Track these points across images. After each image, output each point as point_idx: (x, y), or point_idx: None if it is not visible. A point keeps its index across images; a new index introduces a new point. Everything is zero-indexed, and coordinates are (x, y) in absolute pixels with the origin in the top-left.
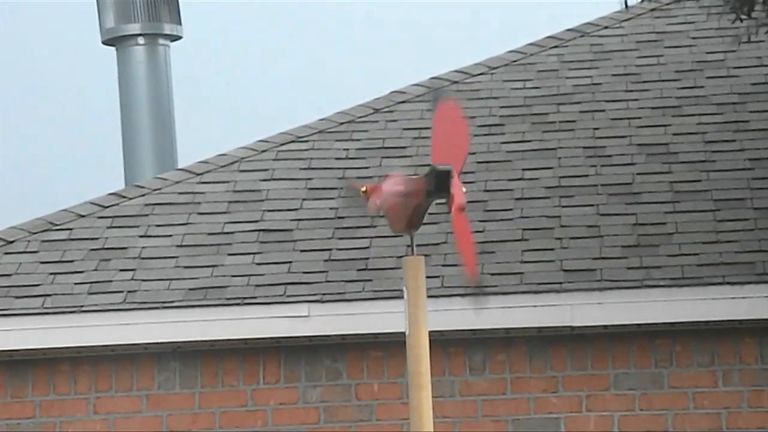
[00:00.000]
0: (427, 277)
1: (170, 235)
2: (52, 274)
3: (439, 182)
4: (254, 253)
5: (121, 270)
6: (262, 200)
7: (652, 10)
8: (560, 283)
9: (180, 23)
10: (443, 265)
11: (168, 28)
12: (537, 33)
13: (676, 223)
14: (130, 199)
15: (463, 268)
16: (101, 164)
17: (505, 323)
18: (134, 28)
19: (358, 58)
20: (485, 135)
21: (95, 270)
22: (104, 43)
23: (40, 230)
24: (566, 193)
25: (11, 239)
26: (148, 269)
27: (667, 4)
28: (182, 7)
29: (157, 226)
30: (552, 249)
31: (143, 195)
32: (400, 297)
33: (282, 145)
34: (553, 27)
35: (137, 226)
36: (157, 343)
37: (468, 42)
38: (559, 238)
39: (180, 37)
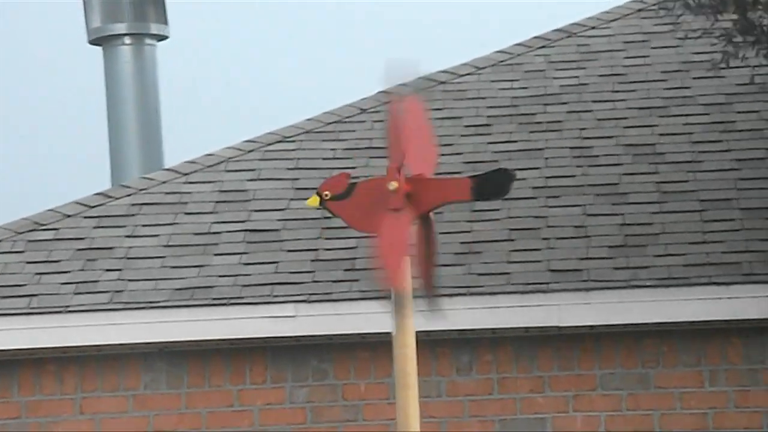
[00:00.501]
0: (413, 277)
1: (157, 235)
2: (38, 274)
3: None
4: (241, 253)
5: (108, 270)
6: (249, 200)
7: (639, 10)
8: (547, 283)
9: (166, 23)
10: None
11: (154, 28)
12: (537, 33)
13: (663, 223)
14: (117, 199)
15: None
16: (87, 164)
17: (492, 323)
18: (121, 27)
19: (358, 58)
20: (472, 135)
21: (81, 270)
22: (91, 42)
23: (26, 230)
24: (553, 194)
25: None
26: (135, 269)
27: (654, 5)
28: (169, 6)
29: (144, 226)
30: (539, 249)
31: (130, 195)
32: (387, 297)
33: (269, 145)
34: (553, 27)
35: (124, 226)
36: (143, 343)
37: (468, 42)
38: (546, 239)
39: (166, 37)
